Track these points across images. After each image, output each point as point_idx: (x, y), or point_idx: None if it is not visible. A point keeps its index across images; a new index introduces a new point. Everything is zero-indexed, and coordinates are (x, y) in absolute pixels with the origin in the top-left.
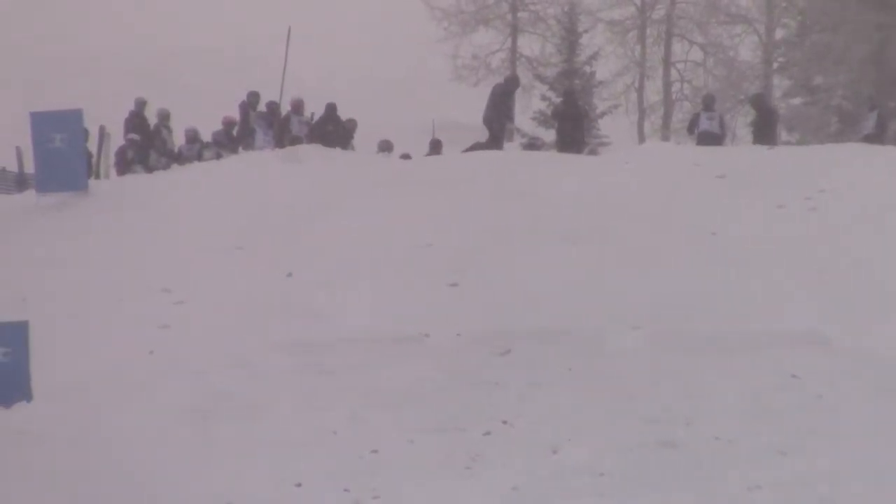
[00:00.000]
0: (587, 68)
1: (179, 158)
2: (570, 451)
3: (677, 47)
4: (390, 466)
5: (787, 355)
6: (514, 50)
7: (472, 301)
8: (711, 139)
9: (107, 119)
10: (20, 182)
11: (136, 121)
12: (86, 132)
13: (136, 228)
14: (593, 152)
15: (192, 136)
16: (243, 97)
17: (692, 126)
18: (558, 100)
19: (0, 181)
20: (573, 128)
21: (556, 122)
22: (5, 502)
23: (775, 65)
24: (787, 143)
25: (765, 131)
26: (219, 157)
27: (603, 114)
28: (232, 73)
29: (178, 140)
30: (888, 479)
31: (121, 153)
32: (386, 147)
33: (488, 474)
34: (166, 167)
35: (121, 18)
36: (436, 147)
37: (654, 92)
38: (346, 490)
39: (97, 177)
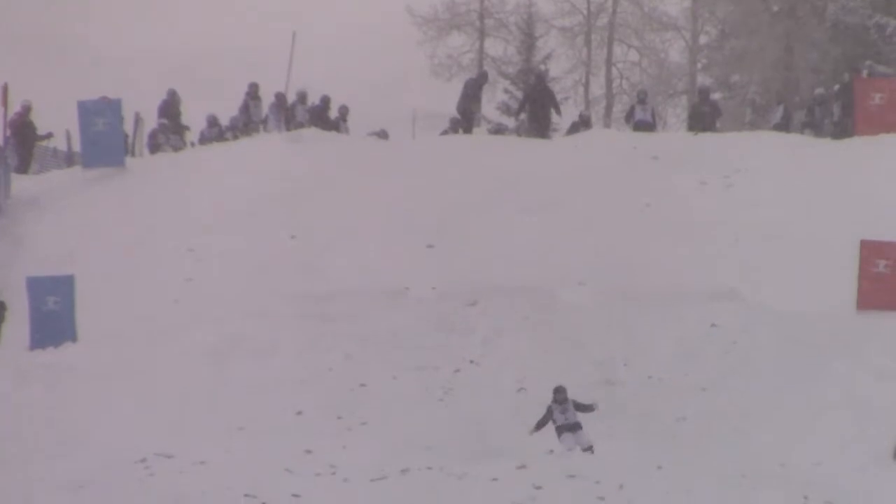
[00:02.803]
0: (542, 66)
1: (202, 140)
2: (529, 387)
3: (617, 50)
4: (376, 398)
5: (708, 308)
6: (481, 51)
7: (445, 260)
8: (646, 127)
9: (141, 106)
10: (69, 159)
11: (166, 108)
12: (123, 118)
13: (165, 198)
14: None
15: (213, 122)
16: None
17: (629, 116)
18: (519, 92)
19: (52, 159)
20: (543, 106)
21: (528, 102)
22: (54, 426)
23: (699, 65)
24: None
25: (706, 119)
26: (235, 139)
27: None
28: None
29: (201, 125)
30: (792, 411)
31: (152, 135)
32: (382, 135)
33: (459, 405)
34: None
35: (162, 18)
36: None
37: (597, 87)
38: (339, 418)
39: (133, 155)
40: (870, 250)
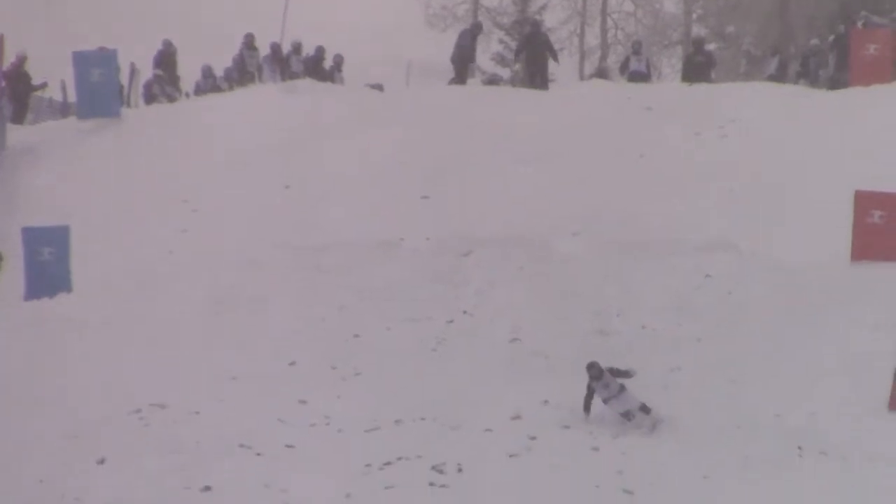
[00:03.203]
0: (537, 17)
1: (197, 91)
2: (523, 337)
3: (612, 0)
4: (370, 349)
5: (702, 259)
6: (476, 1)
7: (439, 211)
8: (640, 77)
9: (136, 57)
10: (64, 110)
11: (162, 59)
12: (118, 68)
13: (160, 148)
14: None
15: (207, 72)
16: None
17: (624, 67)
18: (514, 43)
19: (47, 109)
20: (539, 54)
21: (524, 50)
22: (48, 377)
23: (694, 16)
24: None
25: (700, 69)
26: (230, 89)
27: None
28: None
29: (196, 75)
30: (786, 362)
31: (147, 86)
32: (377, 88)
33: (452, 356)
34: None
35: None
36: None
37: (592, 37)
38: (332, 368)
39: (128, 105)
40: (864, 201)
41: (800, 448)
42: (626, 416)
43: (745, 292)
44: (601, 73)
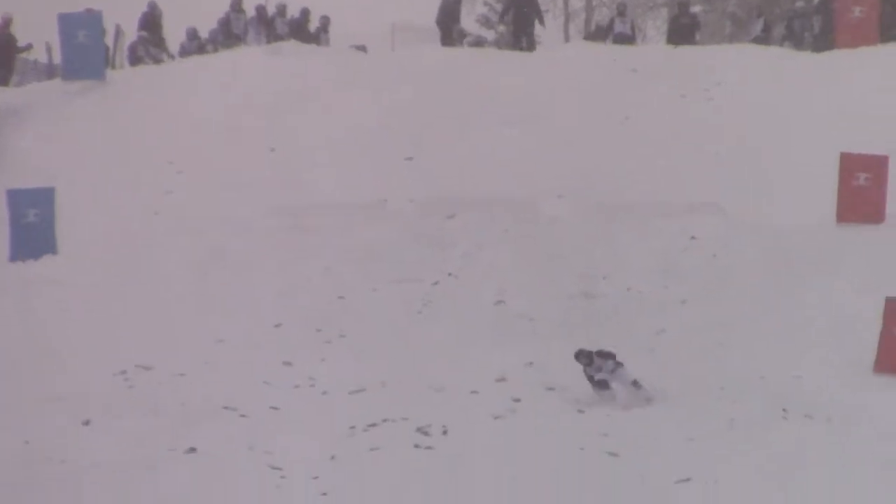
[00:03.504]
0: None
1: (182, 53)
2: (508, 300)
3: None
4: (355, 311)
5: (688, 221)
6: None
7: (424, 173)
8: (625, 40)
9: (121, 19)
10: (49, 72)
11: (147, 20)
12: (104, 30)
13: (145, 110)
14: (531, 47)
15: (193, 34)
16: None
17: (608, 29)
18: (499, 5)
19: (32, 71)
20: (525, 16)
21: (510, 12)
22: (33, 339)
23: None
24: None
25: (685, 32)
26: (215, 51)
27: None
28: None
29: (181, 37)
30: (772, 324)
31: (132, 48)
32: (361, 50)
33: (438, 318)
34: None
35: None
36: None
37: None
38: (318, 330)
39: (113, 67)
40: (850, 163)
41: (785, 410)
42: (635, 385)
43: (730, 255)
44: (597, 34)
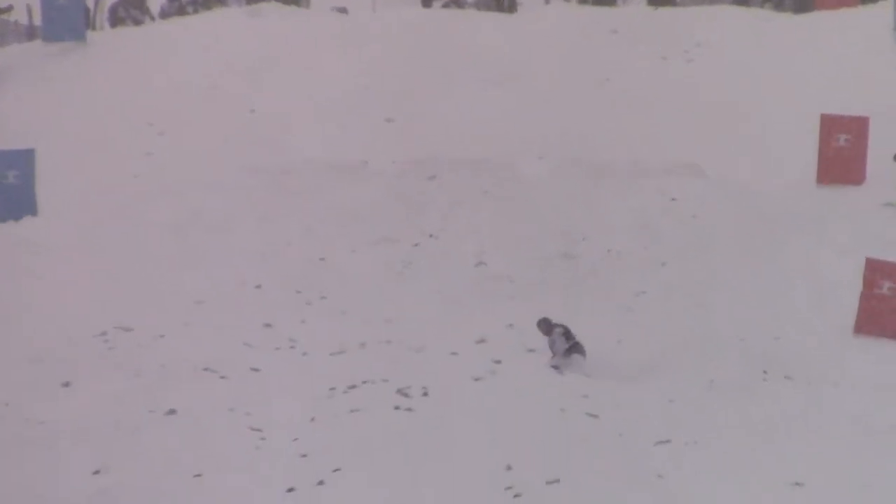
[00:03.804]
0: None
1: (163, 14)
2: (488, 261)
3: None
4: (335, 272)
5: (667, 182)
6: None
7: (404, 134)
8: (605, 1)
9: None
10: (29, 33)
11: None
12: None
13: (126, 71)
14: (512, 8)
15: None
16: None
17: None
18: None
19: (13, 32)
20: None
21: None
22: (13, 300)
23: None
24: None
25: None
26: (195, 13)
27: None
28: None
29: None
30: (752, 286)
31: (113, 9)
32: (342, 11)
33: (418, 279)
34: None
35: None
36: None
37: None
38: (297, 292)
39: (93, 29)
40: (830, 124)
41: (765, 372)
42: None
43: (710, 216)
44: None
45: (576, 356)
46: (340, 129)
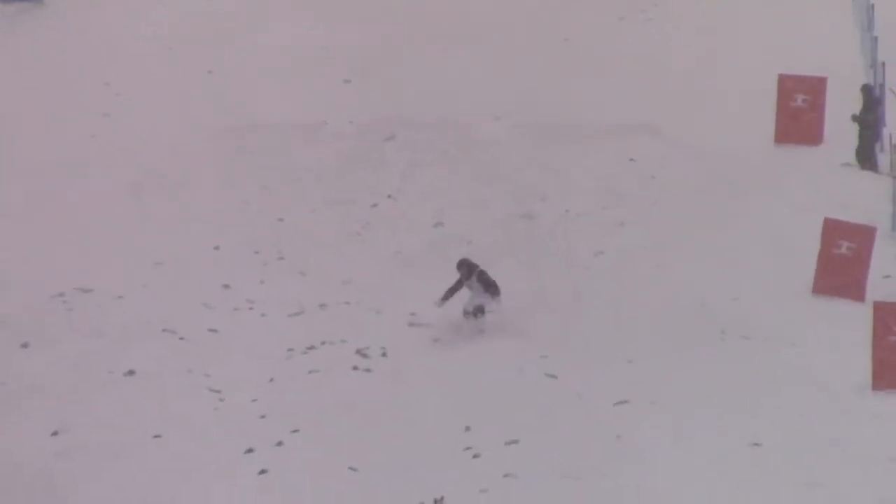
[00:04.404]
0: None
1: None
2: (447, 222)
3: None
4: (294, 232)
5: (626, 143)
6: None
7: (362, 95)
8: None
9: None
10: None
11: None
12: None
13: (84, 32)
14: None
15: None
16: None
17: None
18: None
19: None
20: None
21: None
22: None
23: None
24: None
25: None
26: None
27: None
28: None
29: None
30: (711, 246)
31: None
32: None
33: (376, 240)
34: None
35: None
36: None
37: None
38: (256, 252)
39: None
40: (788, 84)
41: (723, 332)
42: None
43: (669, 176)
44: None
45: (492, 298)
46: (298, 89)
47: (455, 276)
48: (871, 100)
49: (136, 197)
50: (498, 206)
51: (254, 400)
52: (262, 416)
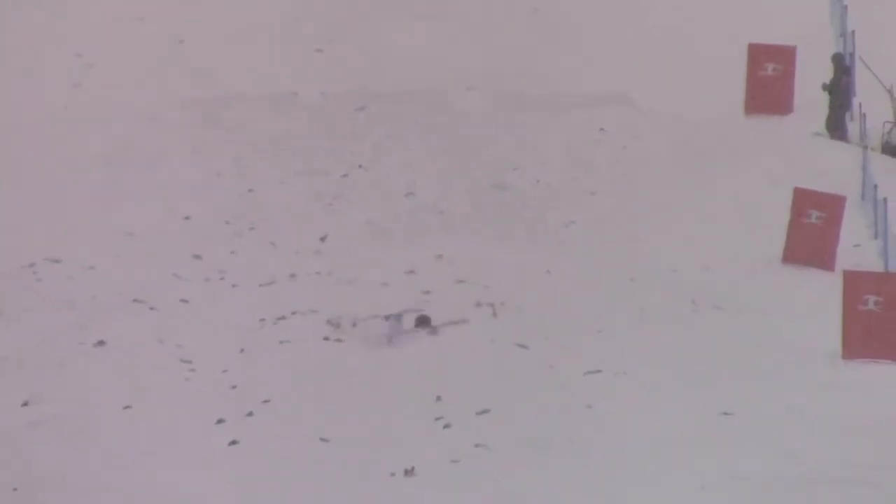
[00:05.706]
0: None
1: None
2: (418, 192)
3: None
4: (264, 203)
5: (596, 113)
6: None
7: (334, 65)
8: None
9: None
10: None
11: None
12: None
13: (54, 3)
14: None
15: None
16: None
17: None
18: None
19: None
20: None
21: None
22: None
23: None
24: None
25: None
26: None
27: None
28: None
29: None
30: (681, 216)
31: None
32: None
33: (348, 210)
34: None
35: None
36: None
37: None
38: (227, 223)
39: None
40: (758, 53)
41: (694, 302)
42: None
43: (639, 146)
44: None
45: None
46: (270, 59)
47: None
48: (842, 69)
49: (107, 167)
50: (470, 176)
51: (225, 370)
52: (233, 387)
